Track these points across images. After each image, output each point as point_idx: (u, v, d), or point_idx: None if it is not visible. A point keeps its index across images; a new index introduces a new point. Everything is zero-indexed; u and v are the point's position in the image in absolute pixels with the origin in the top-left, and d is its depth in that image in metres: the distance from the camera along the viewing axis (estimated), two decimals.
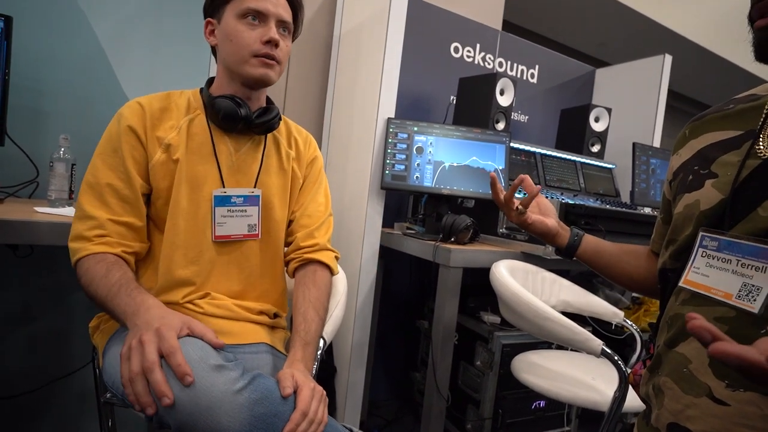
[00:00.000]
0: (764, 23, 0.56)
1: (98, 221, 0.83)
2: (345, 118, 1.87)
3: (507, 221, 1.66)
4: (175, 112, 0.90)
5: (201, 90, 0.95)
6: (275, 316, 1.00)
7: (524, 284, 1.43)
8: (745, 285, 0.55)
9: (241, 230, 0.94)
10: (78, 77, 1.45)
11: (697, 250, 0.61)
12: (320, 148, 1.98)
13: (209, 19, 0.93)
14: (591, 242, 0.99)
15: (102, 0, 1.47)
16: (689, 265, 0.62)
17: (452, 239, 1.53)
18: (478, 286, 1.71)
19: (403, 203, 2.07)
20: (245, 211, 0.94)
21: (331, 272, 1.04)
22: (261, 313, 0.96)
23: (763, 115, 0.62)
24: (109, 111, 1.47)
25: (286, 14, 0.92)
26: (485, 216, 1.71)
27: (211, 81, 0.97)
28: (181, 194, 0.88)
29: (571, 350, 1.53)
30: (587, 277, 1.93)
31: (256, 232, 0.96)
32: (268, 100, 1.01)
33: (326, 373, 1.72)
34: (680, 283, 0.63)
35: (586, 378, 1.29)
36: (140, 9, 1.54)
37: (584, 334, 1.12)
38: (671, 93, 2.71)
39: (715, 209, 0.61)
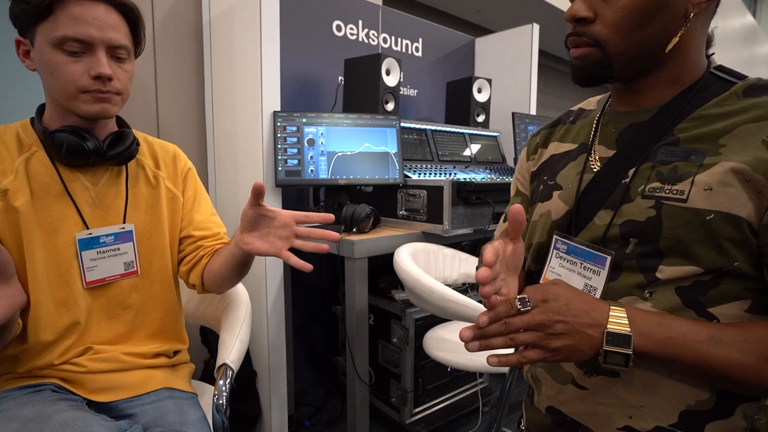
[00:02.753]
0: (576, 53, 0.62)
1: None
2: (228, 111, 1.75)
3: (406, 203, 1.71)
4: (4, 152, 0.77)
5: (32, 121, 0.81)
6: (175, 353, 0.94)
7: (426, 265, 1.51)
8: (586, 285, 0.63)
9: (117, 270, 0.86)
10: None
11: (552, 252, 0.69)
12: (206, 145, 1.86)
13: (20, 38, 0.76)
14: None
15: None
16: (547, 265, 0.69)
17: (354, 229, 1.55)
18: (388, 264, 1.76)
19: (304, 193, 2.02)
20: (118, 249, 0.85)
21: None
22: (157, 355, 0.90)
23: (592, 131, 0.69)
24: None
25: (119, 35, 0.76)
26: (384, 200, 1.74)
27: (42, 109, 0.82)
28: (35, 245, 0.77)
29: None
30: (481, 244, 2.08)
31: (135, 269, 0.88)
32: (119, 120, 0.89)
33: (246, 379, 1.68)
34: (540, 281, 0.70)
35: None
36: None
37: (482, 308, 1.22)
38: (544, 54, 2.93)
39: (563, 219, 0.68)
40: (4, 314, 0.60)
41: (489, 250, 0.55)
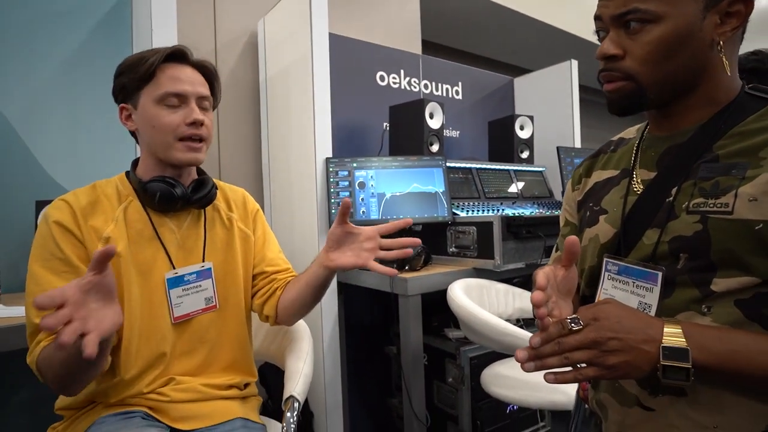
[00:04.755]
0: (609, 87, 0.66)
1: None
2: (284, 160, 1.88)
3: (456, 240, 1.73)
4: (106, 203, 0.88)
5: (127, 174, 0.94)
6: (245, 386, 0.99)
7: (480, 301, 1.51)
8: (640, 303, 0.64)
9: (199, 305, 0.93)
10: None
11: (604, 274, 0.70)
12: (263, 193, 1.99)
13: (123, 105, 0.90)
14: None
15: (4, 78, 1.40)
16: (600, 287, 0.70)
17: (406, 267, 1.58)
18: (439, 303, 1.76)
19: None
20: (200, 286, 0.93)
21: None
22: (230, 387, 0.95)
23: (633, 156, 0.72)
24: (29, 192, 1.41)
25: (205, 89, 0.91)
26: (434, 238, 1.78)
27: (136, 162, 0.95)
28: (132, 285, 0.86)
29: None
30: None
31: (214, 303, 0.96)
32: (199, 170, 1.00)
33: (304, 420, 1.70)
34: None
35: None
36: (51, 81, 1.48)
37: None
38: (583, 88, 2.97)
39: (612, 241, 0.70)
40: (112, 327, 0.66)
41: (541, 275, 0.58)
